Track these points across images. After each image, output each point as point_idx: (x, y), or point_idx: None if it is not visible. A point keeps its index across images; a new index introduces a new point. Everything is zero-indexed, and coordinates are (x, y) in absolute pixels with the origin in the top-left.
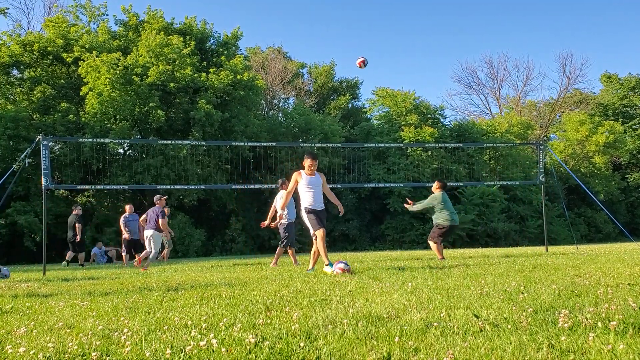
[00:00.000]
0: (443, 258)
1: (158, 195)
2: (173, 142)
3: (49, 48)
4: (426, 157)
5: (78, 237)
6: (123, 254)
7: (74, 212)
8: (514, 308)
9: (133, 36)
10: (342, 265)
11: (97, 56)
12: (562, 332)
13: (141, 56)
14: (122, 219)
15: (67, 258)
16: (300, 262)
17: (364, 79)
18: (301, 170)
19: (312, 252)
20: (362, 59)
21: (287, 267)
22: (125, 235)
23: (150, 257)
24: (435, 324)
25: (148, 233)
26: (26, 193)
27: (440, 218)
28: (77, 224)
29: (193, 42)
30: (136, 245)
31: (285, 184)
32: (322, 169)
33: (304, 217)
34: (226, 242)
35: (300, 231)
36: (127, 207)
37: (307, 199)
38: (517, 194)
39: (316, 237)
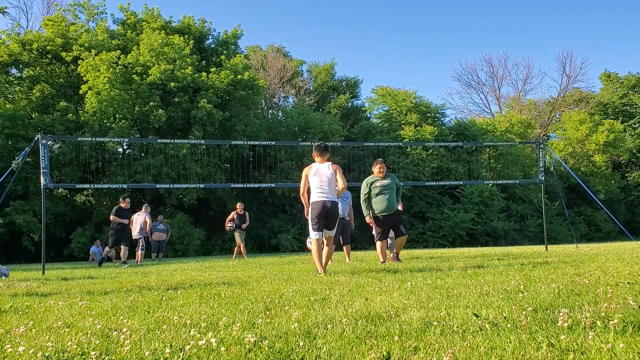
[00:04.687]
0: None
1: None
2: (172, 141)
3: (48, 47)
4: (426, 155)
5: (113, 229)
6: (139, 251)
7: (121, 205)
8: (513, 307)
9: (132, 35)
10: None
11: (96, 55)
12: (561, 331)
13: (141, 55)
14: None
15: (122, 258)
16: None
17: (364, 78)
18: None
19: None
20: None
21: (287, 267)
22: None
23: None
24: (434, 323)
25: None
26: (25, 192)
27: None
28: (111, 216)
29: (192, 41)
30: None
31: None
32: None
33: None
34: (226, 242)
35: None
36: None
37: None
38: (516, 192)
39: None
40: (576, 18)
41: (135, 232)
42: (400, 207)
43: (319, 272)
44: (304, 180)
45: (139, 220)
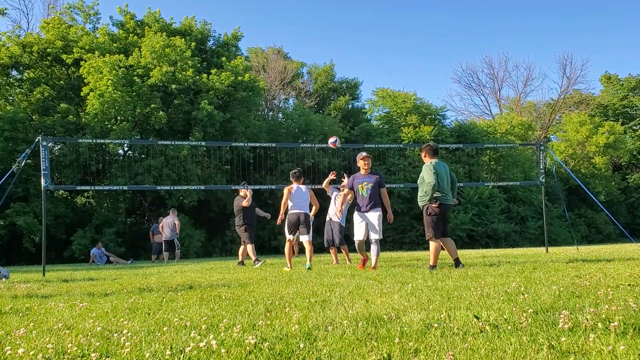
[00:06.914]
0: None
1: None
2: (173, 142)
3: (48, 49)
4: None
5: (243, 225)
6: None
7: (240, 194)
8: (514, 309)
9: (133, 39)
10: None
11: (98, 57)
12: (562, 333)
13: (143, 57)
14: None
15: (245, 254)
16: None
17: (363, 80)
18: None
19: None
20: (333, 141)
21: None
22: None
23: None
24: (435, 325)
25: None
26: (25, 194)
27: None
28: (244, 202)
29: (193, 43)
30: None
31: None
32: (322, 169)
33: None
34: (226, 243)
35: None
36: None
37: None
38: (517, 194)
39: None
40: (576, 20)
41: (167, 234)
42: (432, 204)
43: (287, 267)
44: (286, 195)
45: (169, 223)
